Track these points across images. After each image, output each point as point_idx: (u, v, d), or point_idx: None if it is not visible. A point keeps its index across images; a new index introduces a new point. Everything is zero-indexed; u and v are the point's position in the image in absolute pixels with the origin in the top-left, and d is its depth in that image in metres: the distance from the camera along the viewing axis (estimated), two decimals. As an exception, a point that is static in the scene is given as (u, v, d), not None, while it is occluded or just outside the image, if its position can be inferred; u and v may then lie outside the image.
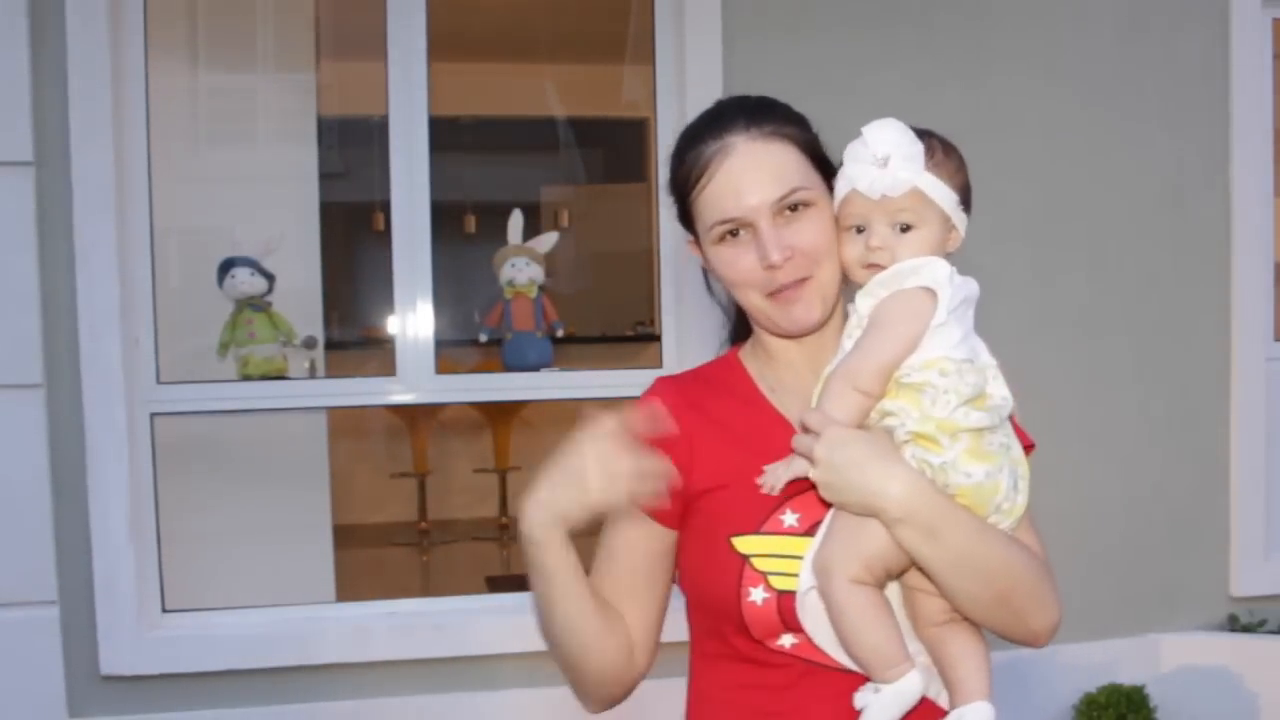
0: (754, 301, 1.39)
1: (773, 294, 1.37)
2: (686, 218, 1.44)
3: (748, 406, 1.42)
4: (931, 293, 1.29)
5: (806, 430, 1.29)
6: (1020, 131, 3.40)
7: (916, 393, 1.26)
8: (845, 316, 1.44)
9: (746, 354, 1.49)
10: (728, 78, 3.16)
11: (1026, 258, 3.41)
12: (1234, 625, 3.54)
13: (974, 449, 1.26)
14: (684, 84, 3.21)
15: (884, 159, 1.30)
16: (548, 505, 1.28)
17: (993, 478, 1.27)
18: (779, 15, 3.25)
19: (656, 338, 3.45)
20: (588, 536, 1.38)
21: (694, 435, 1.39)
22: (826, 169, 1.40)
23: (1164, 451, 3.53)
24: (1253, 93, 3.54)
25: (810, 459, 1.27)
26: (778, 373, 1.44)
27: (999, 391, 1.30)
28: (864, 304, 1.34)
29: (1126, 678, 3.38)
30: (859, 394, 1.28)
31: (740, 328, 1.53)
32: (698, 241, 1.44)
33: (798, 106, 1.44)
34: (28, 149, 2.83)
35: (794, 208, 1.35)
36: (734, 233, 1.37)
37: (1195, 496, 3.56)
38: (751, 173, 1.35)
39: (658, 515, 1.38)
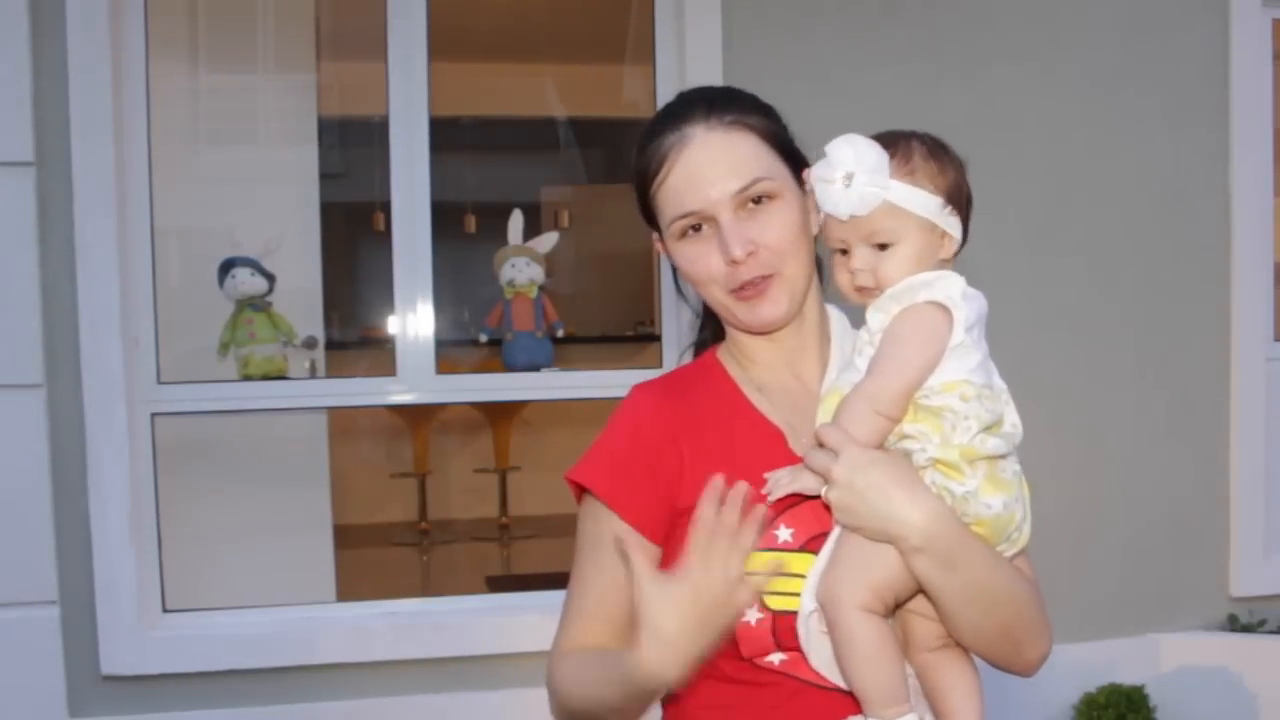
0: (719, 298, 1.34)
1: (736, 291, 1.31)
2: (650, 214, 1.38)
3: (733, 412, 1.36)
4: (945, 309, 1.24)
5: (821, 445, 1.23)
6: (1020, 131, 3.40)
7: (936, 417, 1.22)
8: (824, 314, 1.41)
9: (724, 354, 1.42)
10: (728, 78, 3.15)
11: (1026, 257, 3.41)
12: (1234, 625, 3.54)
13: (992, 477, 1.23)
14: (684, 84, 3.16)
15: (848, 177, 1.24)
16: (696, 658, 1.17)
17: (1010, 509, 1.24)
18: (779, 15, 3.25)
19: (656, 338, 3.45)
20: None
21: (682, 444, 1.31)
22: (797, 161, 1.35)
23: (1164, 451, 3.53)
24: (1253, 93, 3.54)
25: (827, 477, 1.22)
26: (758, 374, 1.38)
27: (1011, 418, 1.27)
28: (875, 319, 1.28)
29: (1126, 678, 3.38)
30: (881, 418, 1.23)
31: (713, 329, 1.48)
32: (663, 238, 1.38)
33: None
34: (28, 149, 2.83)
35: (757, 200, 1.30)
36: (696, 228, 1.32)
37: (1195, 496, 3.55)
38: (710, 164, 1.30)
39: (651, 533, 1.30)
